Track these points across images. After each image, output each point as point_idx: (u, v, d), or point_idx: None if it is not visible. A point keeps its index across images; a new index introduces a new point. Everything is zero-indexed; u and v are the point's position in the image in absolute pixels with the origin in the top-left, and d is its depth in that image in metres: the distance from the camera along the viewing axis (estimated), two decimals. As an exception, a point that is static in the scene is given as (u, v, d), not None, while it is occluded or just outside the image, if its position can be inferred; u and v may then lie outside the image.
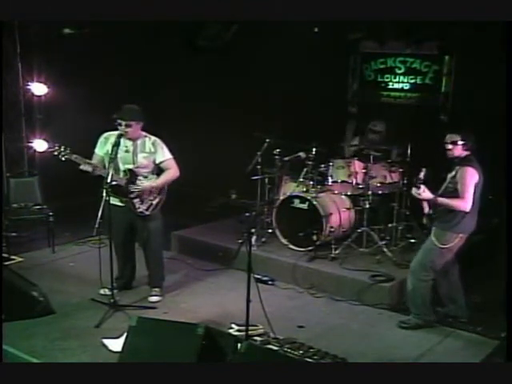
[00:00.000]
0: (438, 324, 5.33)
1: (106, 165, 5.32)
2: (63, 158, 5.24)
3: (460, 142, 5.02)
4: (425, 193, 5.01)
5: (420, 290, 5.24)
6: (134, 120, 5.35)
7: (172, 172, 5.55)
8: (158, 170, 5.58)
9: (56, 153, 5.24)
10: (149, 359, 4.02)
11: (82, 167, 5.25)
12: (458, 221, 5.02)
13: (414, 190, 5.07)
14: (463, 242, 5.18)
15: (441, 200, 5.04)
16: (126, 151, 5.43)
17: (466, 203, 4.93)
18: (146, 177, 5.50)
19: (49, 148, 5.37)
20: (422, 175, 5.02)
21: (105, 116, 5.41)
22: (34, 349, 4.64)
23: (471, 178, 4.94)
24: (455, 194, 4.98)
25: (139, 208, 5.49)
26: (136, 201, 5.47)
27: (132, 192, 5.44)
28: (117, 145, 5.31)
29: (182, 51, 8.41)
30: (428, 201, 5.11)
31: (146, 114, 5.47)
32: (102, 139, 5.52)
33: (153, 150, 5.48)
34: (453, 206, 4.99)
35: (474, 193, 4.97)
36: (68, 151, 5.24)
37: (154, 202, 5.55)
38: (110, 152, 5.30)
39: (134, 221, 5.58)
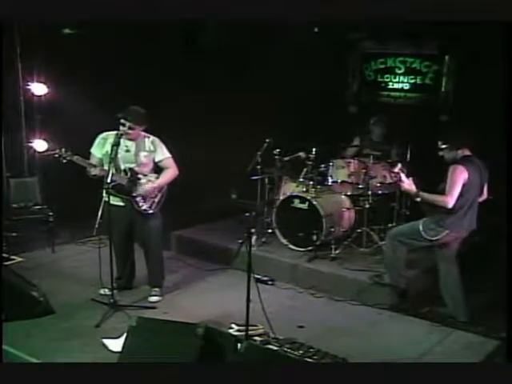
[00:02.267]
0: (437, 324, 5.33)
1: (105, 165, 5.32)
2: (64, 161, 5.24)
3: (443, 147, 5.16)
4: (410, 186, 5.20)
5: (389, 252, 5.54)
6: (138, 125, 5.36)
7: (171, 171, 5.58)
8: (157, 168, 5.60)
9: (57, 155, 5.24)
10: (149, 359, 4.01)
11: (91, 171, 5.26)
12: (445, 216, 5.12)
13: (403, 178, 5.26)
14: (452, 240, 5.27)
15: (423, 195, 5.17)
16: (127, 151, 5.43)
17: (448, 199, 5.02)
18: (146, 175, 5.52)
19: (50, 151, 5.37)
20: (397, 168, 5.32)
21: (105, 116, 5.41)
22: (34, 349, 4.63)
23: (458, 175, 5.01)
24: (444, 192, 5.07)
25: (142, 206, 5.50)
26: (139, 199, 5.48)
27: (134, 191, 5.45)
28: (117, 145, 5.30)
29: (182, 51, 8.41)
30: (412, 194, 5.28)
31: (148, 116, 5.46)
32: (99, 140, 5.50)
33: (152, 148, 5.51)
34: (435, 201, 5.12)
35: (463, 192, 5.00)
36: (69, 153, 5.24)
37: (156, 200, 5.57)
38: (109, 152, 5.30)
39: (134, 220, 5.58)
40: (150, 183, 5.48)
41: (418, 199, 5.20)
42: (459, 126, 5.48)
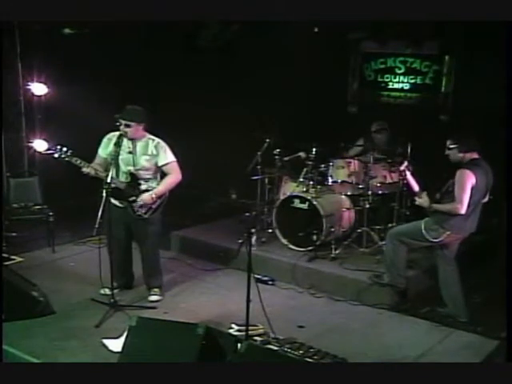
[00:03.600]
0: (437, 324, 5.34)
1: (110, 166, 5.31)
2: (64, 160, 5.24)
3: (451, 146, 5.11)
4: (423, 199, 5.25)
5: (389, 252, 5.55)
6: (133, 121, 5.31)
7: (172, 177, 5.49)
8: (162, 172, 5.54)
9: (56, 155, 5.24)
10: (149, 359, 4.01)
11: (84, 169, 5.26)
12: (447, 218, 5.14)
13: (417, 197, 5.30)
14: (452, 241, 5.27)
15: (435, 206, 5.20)
16: (129, 152, 5.40)
17: (460, 206, 5.04)
18: (147, 180, 5.46)
19: (49, 150, 5.36)
20: (403, 166, 5.42)
21: (105, 116, 5.41)
22: (34, 349, 4.63)
23: (467, 180, 5.00)
24: (452, 194, 5.05)
25: (138, 211, 5.46)
26: (135, 204, 5.44)
27: (132, 196, 5.43)
28: (118, 145, 5.30)
29: (182, 51, 8.41)
30: (426, 207, 5.29)
31: (146, 114, 5.46)
32: (105, 140, 5.50)
33: (155, 152, 5.43)
34: (448, 211, 5.12)
35: (470, 195, 5.01)
36: (68, 154, 5.23)
37: (154, 206, 5.50)
38: (112, 152, 5.29)
39: (132, 222, 5.55)
40: (147, 193, 5.41)
41: (431, 210, 5.23)
42: (470, 130, 5.48)
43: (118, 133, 5.37)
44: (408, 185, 5.57)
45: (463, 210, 5.03)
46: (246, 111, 7.66)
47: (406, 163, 5.49)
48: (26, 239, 7.09)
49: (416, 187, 5.38)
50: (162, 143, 5.47)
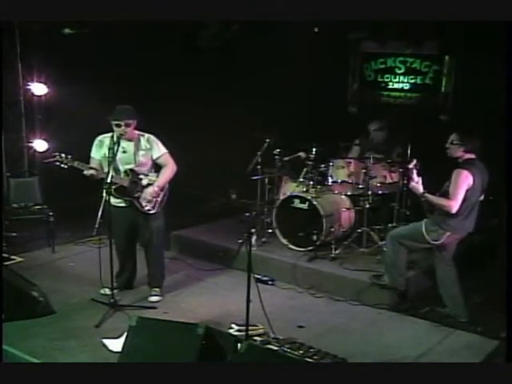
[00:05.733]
0: (437, 324, 5.34)
1: (105, 167, 5.34)
2: (65, 166, 5.27)
3: (455, 142, 5.11)
4: (418, 185, 5.16)
5: (390, 253, 5.54)
6: (131, 118, 5.37)
7: (170, 168, 5.58)
8: (156, 166, 5.61)
9: (58, 162, 5.27)
10: (149, 359, 4.01)
11: (85, 172, 5.28)
12: (446, 218, 5.13)
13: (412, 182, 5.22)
14: (451, 241, 5.27)
15: (428, 196, 5.16)
16: (124, 152, 5.43)
17: (452, 204, 5.03)
18: (146, 175, 5.53)
19: (50, 157, 5.38)
20: (411, 164, 5.22)
21: (105, 116, 5.42)
22: (34, 349, 4.63)
23: (463, 180, 5.02)
24: (447, 194, 5.06)
25: (146, 206, 5.51)
26: (141, 200, 5.49)
27: (136, 192, 5.45)
28: (117, 145, 5.31)
29: (182, 51, 8.41)
30: (417, 194, 5.22)
31: (145, 114, 5.48)
32: (96, 142, 5.54)
33: (148, 146, 5.52)
34: (438, 205, 5.13)
35: (467, 196, 5.01)
36: (69, 159, 5.27)
37: (159, 199, 5.58)
38: (107, 154, 5.32)
39: (137, 220, 5.59)
40: (151, 187, 5.48)
41: (423, 199, 5.20)
42: (464, 127, 5.47)
43: (109, 134, 5.42)
44: (410, 178, 5.44)
45: (455, 208, 5.02)
46: (246, 111, 7.66)
47: (414, 161, 5.43)
48: (26, 239, 7.09)
49: (416, 179, 5.30)
50: (153, 137, 5.57)
